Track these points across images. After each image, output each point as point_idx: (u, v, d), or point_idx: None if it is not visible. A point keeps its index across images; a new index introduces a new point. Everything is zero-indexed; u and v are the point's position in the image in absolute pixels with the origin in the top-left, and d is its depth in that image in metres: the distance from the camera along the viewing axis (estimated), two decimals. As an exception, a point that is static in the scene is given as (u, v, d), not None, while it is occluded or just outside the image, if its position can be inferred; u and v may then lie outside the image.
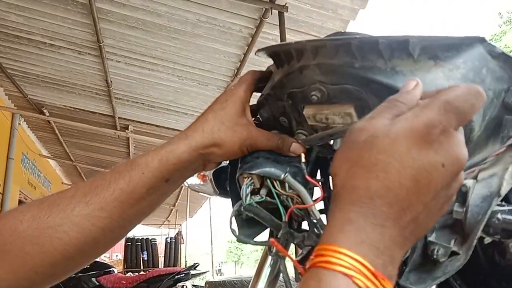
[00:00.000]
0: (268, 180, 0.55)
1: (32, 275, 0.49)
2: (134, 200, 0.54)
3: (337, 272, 0.31)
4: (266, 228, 0.62)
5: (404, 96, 0.38)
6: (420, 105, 0.36)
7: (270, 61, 0.61)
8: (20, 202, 5.98)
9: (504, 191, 0.43)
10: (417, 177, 0.33)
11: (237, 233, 0.60)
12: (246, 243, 0.60)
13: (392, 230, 0.32)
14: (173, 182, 0.57)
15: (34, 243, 0.49)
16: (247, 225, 0.62)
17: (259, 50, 0.54)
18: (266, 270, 0.67)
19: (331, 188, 0.62)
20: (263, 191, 0.56)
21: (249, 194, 0.56)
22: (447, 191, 0.35)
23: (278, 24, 3.18)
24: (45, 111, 5.83)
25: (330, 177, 0.37)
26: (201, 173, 0.76)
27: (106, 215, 0.52)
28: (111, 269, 5.47)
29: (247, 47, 3.77)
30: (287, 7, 3.15)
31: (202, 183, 0.76)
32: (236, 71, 4.14)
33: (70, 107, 5.61)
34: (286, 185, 0.54)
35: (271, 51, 0.54)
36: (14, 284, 0.49)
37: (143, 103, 5.21)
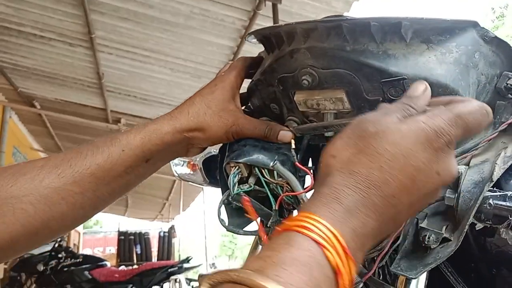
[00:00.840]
0: (256, 169, 0.54)
1: None
2: (111, 178, 0.52)
3: (310, 238, 0.30)
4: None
5: (415, 102, 0.38)
6: (432, 111, 0.37)
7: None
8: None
9: (496, 176, 0.42)
10: (416, 177, 0.34)
11: (226, 223, 0.59)
12: (235, 233, 0.59)
13: (373, 223, 0.33)
14: (153, 163, 0.55)
15: None
16: (236, 214, 0.61)
17: (249, 34, 0.53)
18: (257, 260, 0.66)
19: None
20: (251, 180, 0.55)
21: (237, 183, 0.54)
22: (429, 198, 0.37)
23: (271, 16, 3.16)
24: (36, 104, 5.76)
25: (323, 157, 0.37)
26: (191, 162, 0.74)
27: (79, 190, 0.50)
28: (104, 262, 5.46)
29: (240, 39, 3.74)
30: (281, -1, 3.13)
31: (191, 172, 0.75)
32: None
33: (61, 100, 5.55)
34: (275, 173, 0.53)
35: (262, 34, 0.53)
36: None
37: (135, 96, 5.17)
